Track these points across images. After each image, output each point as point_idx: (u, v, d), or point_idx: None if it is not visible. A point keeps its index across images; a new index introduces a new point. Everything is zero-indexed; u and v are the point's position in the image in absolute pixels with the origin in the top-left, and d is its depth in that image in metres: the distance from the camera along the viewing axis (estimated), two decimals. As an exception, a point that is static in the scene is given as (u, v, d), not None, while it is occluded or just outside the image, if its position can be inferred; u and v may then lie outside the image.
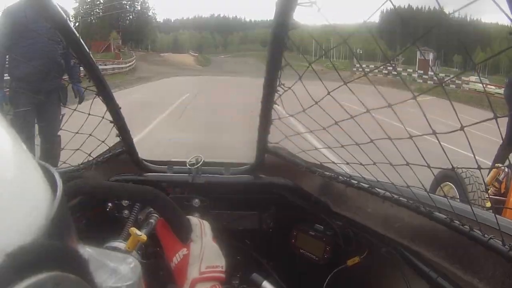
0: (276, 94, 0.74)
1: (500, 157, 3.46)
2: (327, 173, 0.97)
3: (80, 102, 3.04)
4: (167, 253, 0.58)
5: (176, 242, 0.57)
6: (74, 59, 0.76)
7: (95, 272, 0.38)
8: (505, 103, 3.53)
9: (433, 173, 0.62)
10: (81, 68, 0.77)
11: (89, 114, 0.85)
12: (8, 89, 3.08)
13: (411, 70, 26.34)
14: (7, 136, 0.30)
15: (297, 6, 0.52)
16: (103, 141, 0.97)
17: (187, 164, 1.06)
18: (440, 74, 21.30)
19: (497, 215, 0.60)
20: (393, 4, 0.49)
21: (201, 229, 0.59)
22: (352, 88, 0.57)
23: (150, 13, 68.39)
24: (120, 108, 0.90)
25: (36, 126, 3.07)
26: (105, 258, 0.39)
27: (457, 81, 19.88)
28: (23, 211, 0.27)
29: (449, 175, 2.71)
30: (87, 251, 0.38)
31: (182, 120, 7.93)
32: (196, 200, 1.03)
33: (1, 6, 3.04)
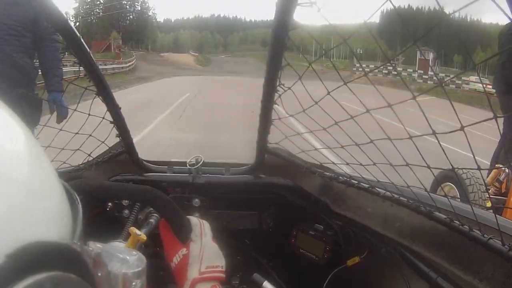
0: (276, 94, 0.74)
1: (501, 157, 3.45)
2: (327, 173, 0.97)
3: (58, 121, 2.15)
4: (167, 253, 0.58)
5: (176, 242, 0.57)
6: (71, 57, 0.73)
7: (110, 262, 0.42)
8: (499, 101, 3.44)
9: (433, 173, 0.62)
10: (81, 69, 0.76)
11: (89, 115, 0.85)
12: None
13: (411, 70, 26.32)
14: (24, 137, 0.31)
15: (297, 6, 0.52)
16: (103, 142, 0.97)
17: (187, 164, 1.06)
18: (440, 74, 21.27)
19: (497, 215, 0.60)
20: (393, 4, 0.49)
21: (201, 229, 0.59)
22: (352, 88, 0.57)
23: (150, 13, 68.53)
24: (120, 108, 0.90)
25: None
26: (114, 251, 0.45)
27: (457, 81, 19.86)
28: (33, 212, 0.27)
29: (449, 176, 2.70)
30: (97, 246, 0.42)
31: (183, 120, 7.93)
32: (196, 200, 1.03)
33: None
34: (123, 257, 0.44)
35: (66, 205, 0.33)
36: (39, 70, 2.44)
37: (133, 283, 0.44)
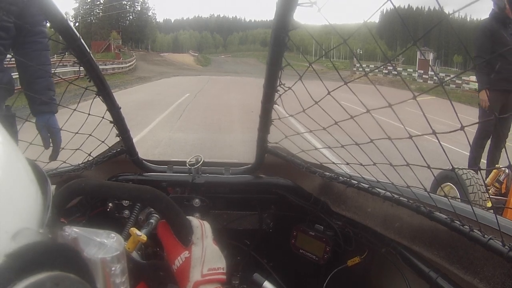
0: (276, 94, 0.74)
1: (494, 158, 3.47)
2: (327, 173, 0.97)
3: (52, 157, 1.45)
4: (168, 256, 0.58)
5: (177, 244, 0.57)
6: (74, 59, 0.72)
7: (86, 247, 0.40)
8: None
9: (433, 173, 0.62)
10: (81, 69, 0.76)
11: (89, 114, 0.85)
12: None
13: (411, 70, 26.31)
14: None
15: (297, 6, 0.52)
16: (103, 141, 0.97)
17: (187, 164, 1.06)
18: (441, 74, 21.25)
19: (497, 216, 0.60)
20: (393, 4, 0.49)
21: (202, 231, 0.59)
22: (352, 88, 0.57)
23: (150, 13, 68.54)
24: (120, 108, 0.90)
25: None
26: (92, 234, 0.42)
27: (457, 81, 19.84)
28: (13, 211, 0.27)
29: (449, 176, 2.70)
30: (74, 230, 0.41)
31: (183, 120, 7.94)
32: (196, 200, 1.03)
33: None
34: (100, 241, 0.42)
35: (36, 193, 0.32)
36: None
37: (113, 268, 0.41)
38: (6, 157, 0.30)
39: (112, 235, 0.44)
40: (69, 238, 0.40)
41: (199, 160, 1.06)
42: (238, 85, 18.21)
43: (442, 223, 0.65)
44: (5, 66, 1.48)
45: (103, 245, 0.42)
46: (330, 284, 0.97)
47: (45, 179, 0.35)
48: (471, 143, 3.46)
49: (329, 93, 0.61)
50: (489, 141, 3.47)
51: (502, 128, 3.24)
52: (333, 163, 0.94)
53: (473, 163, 3.41)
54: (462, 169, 2.05)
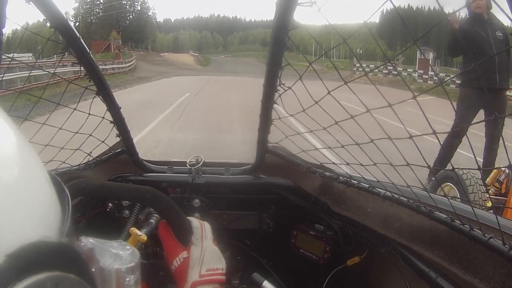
0: (276, 93, 0.74)
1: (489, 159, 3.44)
2: (327, 173, 0.97)
3: None
4: (167, 256, 0.58)
5: (176, 244, 0.57)
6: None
7: (101, 257, 0.41)
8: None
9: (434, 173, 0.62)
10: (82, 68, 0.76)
11: (89, 114, 0.85)
12: None
13: (411, 70, 26.27)
14: (14, 139, 0.31)
15: (297, 6, 0.52)
16: (103, 141, 0.97)
17: (188, 164, 1.06)
18: (441, 74, 21.24)
19: (497, 215, 0.60)
20: (393, 4, 0.49)
21: (202, 231, 0.59)
22: (352, 88, 0.57)
23: (150, 13, 68.53)
24: (120, 108, 0.90)
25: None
26: (107, 246, 0.44)
27: (457, 81, 19.85)
28: (26, 213, 0.27)
29: (449, 176, 2.70)
30: (90, 241, 0.42)
31: (183, 120, 7.93)
32: (196, 200, 1.03)
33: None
34: (116, 252, 0.43)
35: (55, 202, 0.32)
36: None
37: (127, 279, 0.43)
38: (28, 166, 0.30)
39: (127, 247, 0.46)
40: (85, 248, 0.41)
41: (199, 160, 1.06)
42: (238, 85, 18.20)
43: (442, 223, 0.65)
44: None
45: (118, 256, 0.43)
46: (330, 284, 0.97)
47: (63, 190, 0.36)
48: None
49: (329, 92, 0.61)
50: (484, 142, 3.44)
51: (493, 129, 3.20)
52: (333, 163, 0.94)
53: (443, 163, 3.13)
54: (462, 169, 2.05)
